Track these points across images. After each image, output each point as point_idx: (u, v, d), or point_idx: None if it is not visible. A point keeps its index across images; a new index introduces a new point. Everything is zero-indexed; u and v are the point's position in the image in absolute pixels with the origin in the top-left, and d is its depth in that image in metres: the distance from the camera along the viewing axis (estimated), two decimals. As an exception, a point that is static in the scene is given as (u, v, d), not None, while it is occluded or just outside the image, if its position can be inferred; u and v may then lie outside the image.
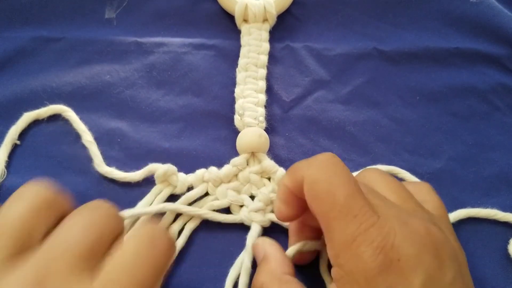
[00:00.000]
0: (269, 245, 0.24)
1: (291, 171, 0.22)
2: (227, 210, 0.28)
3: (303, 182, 0.21)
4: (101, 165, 0.28)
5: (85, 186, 0.28)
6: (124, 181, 0.28)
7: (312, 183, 0.20)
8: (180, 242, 0.26)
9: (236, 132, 0.30)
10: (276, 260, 0.23)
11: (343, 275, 0.19)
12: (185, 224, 0.27)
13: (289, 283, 0.22)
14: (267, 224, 0.27)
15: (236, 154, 0.29)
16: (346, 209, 0.19)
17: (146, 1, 0.35)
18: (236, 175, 0.29)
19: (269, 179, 0.29)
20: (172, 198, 0.28)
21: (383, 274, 0.18)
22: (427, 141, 0.31)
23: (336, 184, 0.20)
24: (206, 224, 0.27)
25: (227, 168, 0.28)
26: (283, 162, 0.30)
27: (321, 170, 0.20)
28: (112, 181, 0.28)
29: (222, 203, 0.27)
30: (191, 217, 0.27)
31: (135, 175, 0.28)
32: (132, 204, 0.27)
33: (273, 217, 0.27)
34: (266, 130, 0.30)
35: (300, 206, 0.22)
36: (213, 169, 0.28)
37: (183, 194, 0.28)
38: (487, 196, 0.29)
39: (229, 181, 0.28)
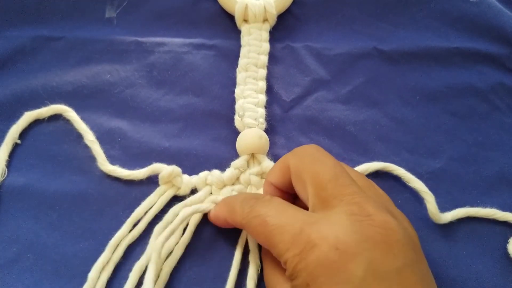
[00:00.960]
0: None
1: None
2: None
3: (240, 225, 0.23)
4: (104, 164, 0.28)
5: (86, 185, 0.28)
6: (126, 179, 0.28)
7: (250, 227, 0.23)
8: (185, 237, 0.26)
9: (235, 132, 0.30)
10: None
11: (291, 274, 0.20)
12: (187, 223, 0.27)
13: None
14: None
15: (235, 154, 0.29)
16: (279, 226, 0.21)
17: (147, 1, 0.35)
18: (238, 178, 0.29)
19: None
20: (175, 199, 0.28)
21: (322, 266, 0.19)
22: (426, 141, 0.31)
23: (265, 215, 0.22)
24: (207, 224, 0.27)
25: (229, 171, 0.28)
26: (283, 161, 0.30)
27: (254, 212, 0.23)
28: (113, 180, 0.28)
29: None
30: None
31: (139, 173, 0.28)
32: (133, 203, 0.27)
33: None
34: (266, 130, 0.30)
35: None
36: (216, 172, 0.28)
37: (186, 195, 0.28)
38: (487, 196, 0.29)
39: (232, 184, 0.28)
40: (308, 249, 0.19)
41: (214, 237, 0.27)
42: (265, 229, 0.21)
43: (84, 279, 0.25)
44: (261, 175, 0.29)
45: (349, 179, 0.22)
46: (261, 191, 0.28)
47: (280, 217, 0.21)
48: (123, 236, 0.26)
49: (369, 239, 0.19)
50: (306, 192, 0.22)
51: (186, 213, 0.25)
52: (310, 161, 0.23)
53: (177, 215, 0.26)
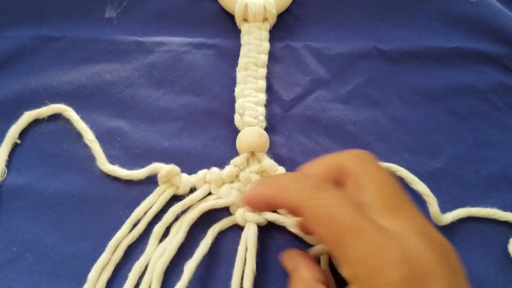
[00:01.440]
0: (299, 255, 0.24)
1: (272, 183, 0.22)
2: (226, 209, 0.28)
3: (294, 206, 0.21)
4: (104, 164, 0.28)
5: (86, 185, 0.28)
6: (126, 179, 0.28)
7: (313, 214, 0.20)
8: (179, 237, 0.26)
9: (236, 131, 0.30)
10: (308, 268, 0.23)
11: None
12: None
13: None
14: (263, 223, 0.27)
15: (236, 153, 0.29)
16: (355, 228, 0.19)
17: (147, 0, 0.35)
18: (237, 175, 0.29)
19: (269, 178, 0.29)
20: (175, 199, 0.28)
21: (405, 284, 0.18)
22: (427, 141, 0.31)
23: (336, 207, 0.20)
24: (207, 225, 0.27)
25: (228, 169, 0.28)
26: (283, 161, 0.30)
27: (320, 199, 0.20)
28: (113, 180, 0.28)
29: (225, 201, 0.27)
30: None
31: (138, 173, 0.28)
32: (132, 203, 0.27)
33: (269, 216, 0.27)
34: (266, 129, 0.30)
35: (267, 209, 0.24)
36: (214, 169, 0.28)
37: (185, 194, 0.28)
38: (487, 196, 0.29)
39: (231, 182, 0.28)
40: (390, 265, 0.18)
41: (214, 241, 0.27)
42: (335, 224, 0.19)
43: (83, 279, 0.25)
44: (261, 173, 0.29)
45: (406, 194, 0.21)
46: None
47: (352, 217, 0.19)
48: (123, 237, 0.26)
49: (444, 261, 0.19)
50: (362, 197, 0.21)
51: (191, 218, 0.26)
52: (373, 167, 0.22)
53: (176, 215, 0.26)
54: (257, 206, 0.24)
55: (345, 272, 0.19)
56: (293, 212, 0.22)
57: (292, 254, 0.25)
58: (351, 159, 0.22)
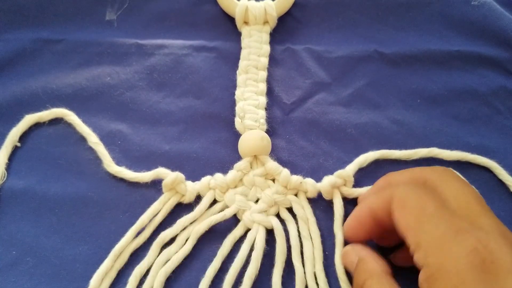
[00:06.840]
0: (361, 248, 0.24)
1: (377, 192, 0.24)
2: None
3: (391, 201, 0.22)
4: (111, 165, 0.28)
5: (86, 189, 0.28)
6: (126, 182, 0.28)
7: (402, 199, 0.22)
8: (186, 248, 0.26)
9: (236, 134, 0.30)
10: (374, 259, 0.23)
11: (433, 273, 0.19)
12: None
13: (388, 281, 0.22)
14: (269, 226, 0.27)
15: (236, 156, 0.29)
16: (437, 216, 0.20)
17: (147, 3, 0.35)
18: (241, 180, 0.28)
19: (273, 180, 0.28)
20: (179, 206, 0.27)
21: (475, 272, 0.18)
22: (427, 144, 0.31)
23: (425, 199, 0.21)
24: (212, 231, 0.27)
25: (232, 174, 0.28)
26: (284, 164, 0.29)
27: (410, 189, 0.22)
28: (113, 183, 0.28)
29: (232, 210, 0.27)
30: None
31: (144, 176, 0.28)
32: (133, 206, 0.27)
33: (274, 222, 0.27)
34: (267, 132, 0.30)
35: (372, 230, 0.24)
36: (218, 175, 0.28)
37: (191, 202, 0.27)
38: (488, 200, 0.29)
39: (235, 186, 0.28)
40: (461, 252, 0.19)
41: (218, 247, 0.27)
42: (420, 212, 0.21)
43: (83, 282, 0.25)
44: (265, 176, 0.28)
45: (487, 206, 0.22)
46: (267, 191, 0.28)
47: (436, 208, 0.20)
48: (126, 245, 0.26)
49: None
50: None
51: (200, 231, 0.26)
52: (454, 181, 0.23)
53: (184, 228, 0.26)
54: (355, 230, 0.24)
55: (416, 256, 0.20)
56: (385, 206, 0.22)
57: (353, 248, 0.25)
58: (435, 174, 0.23)
